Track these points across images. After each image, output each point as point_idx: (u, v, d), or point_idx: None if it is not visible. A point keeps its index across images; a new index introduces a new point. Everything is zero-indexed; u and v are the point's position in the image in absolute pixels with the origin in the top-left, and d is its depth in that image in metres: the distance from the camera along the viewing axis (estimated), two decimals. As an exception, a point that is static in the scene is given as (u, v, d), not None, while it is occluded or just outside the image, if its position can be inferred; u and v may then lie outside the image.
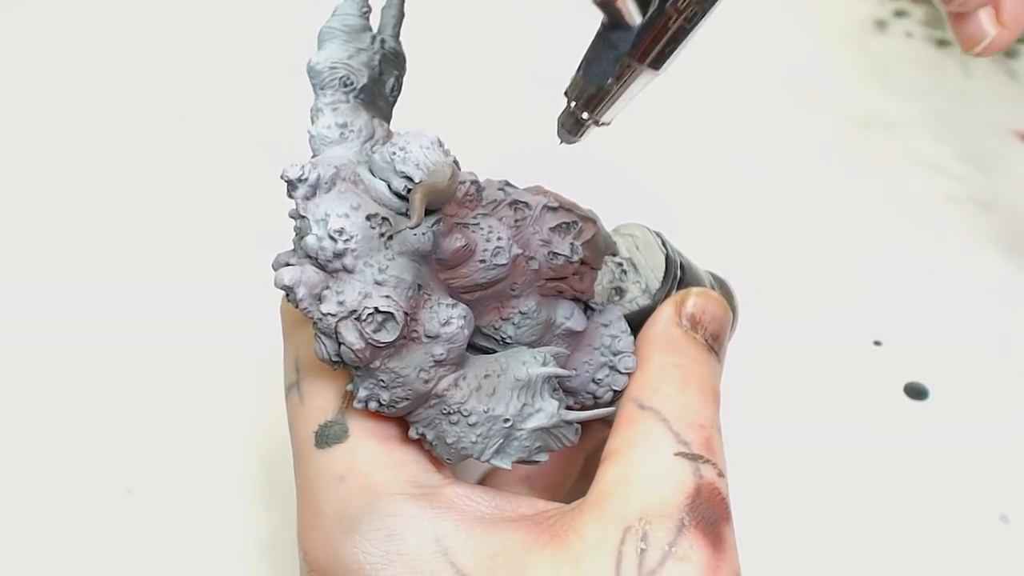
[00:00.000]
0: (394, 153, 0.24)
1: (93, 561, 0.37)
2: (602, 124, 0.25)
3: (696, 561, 0.23)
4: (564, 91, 0.25)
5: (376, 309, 0.23)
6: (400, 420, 0.26)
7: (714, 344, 0.29)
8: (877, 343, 0.47)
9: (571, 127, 0.25)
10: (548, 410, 0.26)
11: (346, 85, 0.26)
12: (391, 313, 0.23)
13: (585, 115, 0.25)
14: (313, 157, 0.25)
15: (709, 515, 0.24)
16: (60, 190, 0.50)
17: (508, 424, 0.25)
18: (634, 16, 0.22)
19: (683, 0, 0.22)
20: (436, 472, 0.26)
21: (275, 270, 0.23)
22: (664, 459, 0.25)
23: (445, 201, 0.24)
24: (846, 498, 0.41)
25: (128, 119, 0.55)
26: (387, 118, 0.28)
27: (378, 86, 0.27)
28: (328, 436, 0.26)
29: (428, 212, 0.24)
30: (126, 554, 0.37)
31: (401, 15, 0.28)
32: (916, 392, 0.45)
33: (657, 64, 0.23)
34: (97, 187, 0.51)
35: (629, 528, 0.24)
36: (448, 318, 0.24)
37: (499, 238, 0.25)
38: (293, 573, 0.37)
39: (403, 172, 0.24)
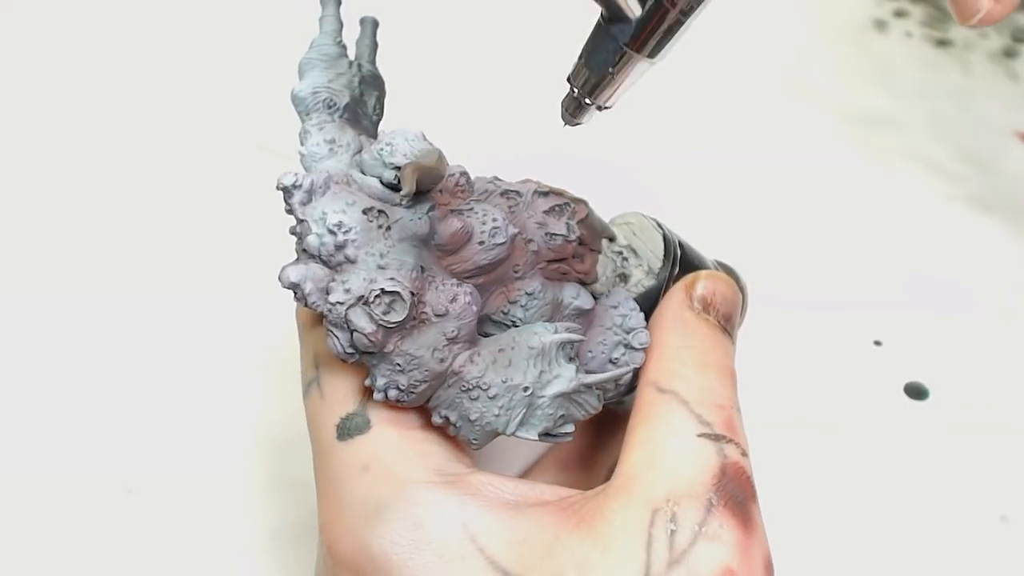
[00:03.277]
0: (382, 149, 0.25)
1: (93, 561, 0.37)
2: (603, 108, 0.26)
3: (727, 540, 0.23)
4: (567, 77, 0.26)
5: (383, 290, 0.23)
6: (421, 411, 0.26)
7: (726, 325, 0.29)
8: (877, 343, 0.47)
9: (574, 110, 0.26)
10: (567, 375, 0.26)
11: (330, 106, 0.27)
12: (398, 292, 0.23)
13: (587, 100, 0.26)
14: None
15: (736, 494, 0.24)
16: (59, 191, 0.50)
17: (528, 392, 0.25)
18: (632, 10, 0.24)
19: None
20: (458, 461, 0.26)
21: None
22: (687, 440, 0.25)
23: (435, 181, 0.24)
24: (846, 498, 0.41)
25: (128, 119, 0.55)
26: (373, 136, 0.29)
27: (361, 106, 0.29)
28: (350, 428, 0.26)
29: (420, 194, 0.24)
30: (126, 554, 0.37)
31: (375, 44, 0.31)
32: (916, 392, 0.45)
33: (654, 54, 0.25)
34: (97, 188, 0.51)
35: (657, 510, 0.24)
36: (455, 295, 0.25)
37: (494, 219, 0.26)
38: (293, 573, 0.37)
39: (392, 164, 0.25)
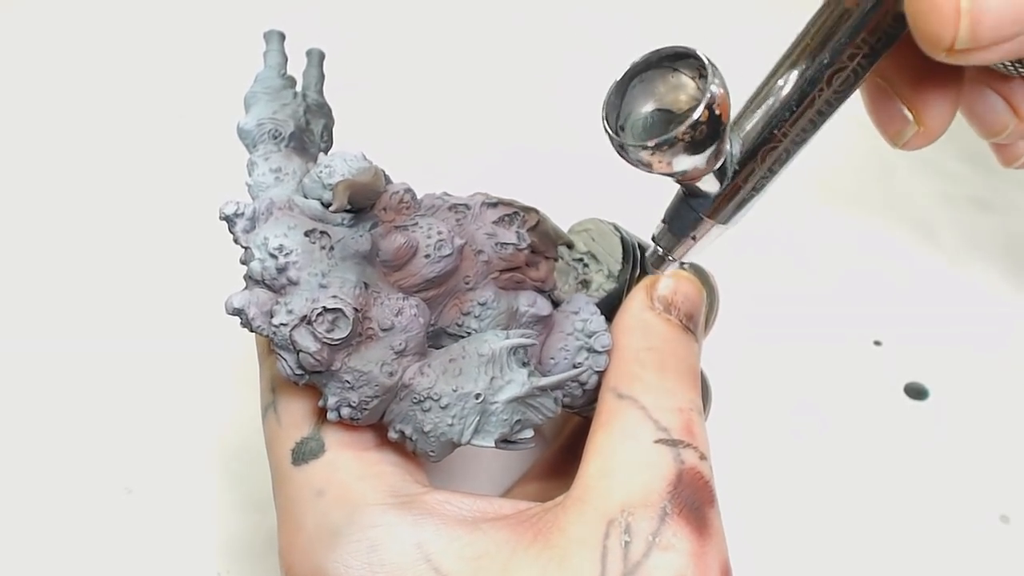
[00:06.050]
0: (321, 171, 0.25)
1: (93, 561, 0.37)
2: (683, 264, 0.30)
3: (681, 549, 0.23)
4: (652, 236, 0.29)
5: (325, 308, 0.23)
6: (376, 432, 0.26)
7: (689, 323, 0.28)
8: (877, 343, 0.47)
9: (656, 263, 0.30)
10: (518, 379, 0.26)
11: (275, 137, 0.28)
12: (340, 309, 0.23)
13: (670, 256, 0.29)
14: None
15: (692, 500, 0.24)
16: (59, 192, 0.50)
17: (480, 400, 0.25)
18: (711, 190, 0.27)
19: (750, 174, 0.27)
20: (414, 481, 0.26)
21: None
22: (644, 448, 0.25)
23: (371, 198, 0.25)
24: (846, 498, 0.41)
25: (128, 119, 0.55)
26: None
27: (308, 135, 0.29)
28: (305, 452, 0.26)
29: (358, 210, 0.25)
30: (126, 554, 0.37)
31: (321, 74, 0.31)
32: (916, 392, 0.45)
33: (725, 220, 0.28)
34: (96, 189, 0.51)
35: (612, 521, 0.23)
36: (400, 308, 0.25)
37: (439, 232, 0.26)
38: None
39: (331, 185, 0.25)
